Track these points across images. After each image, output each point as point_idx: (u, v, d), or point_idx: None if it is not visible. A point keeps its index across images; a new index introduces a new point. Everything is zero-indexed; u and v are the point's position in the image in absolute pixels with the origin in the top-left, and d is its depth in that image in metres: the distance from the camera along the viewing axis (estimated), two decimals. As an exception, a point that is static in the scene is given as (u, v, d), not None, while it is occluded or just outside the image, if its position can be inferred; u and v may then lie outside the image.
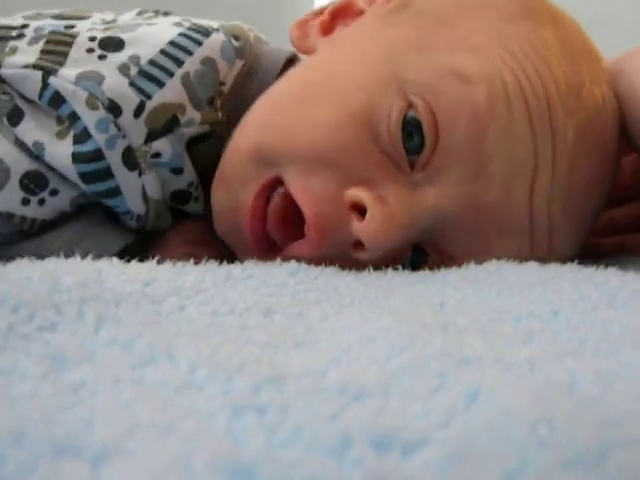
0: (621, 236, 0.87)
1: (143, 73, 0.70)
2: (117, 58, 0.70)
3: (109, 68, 0.69)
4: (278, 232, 0.68)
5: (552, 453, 0.30)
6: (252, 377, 0.38)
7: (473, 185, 0.65)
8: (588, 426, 0.32)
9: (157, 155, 0.71)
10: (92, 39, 0.71)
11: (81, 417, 0.33)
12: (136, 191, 0.71)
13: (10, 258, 0.58)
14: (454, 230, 0.67)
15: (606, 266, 0.67)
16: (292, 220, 0.67)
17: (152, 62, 0.71)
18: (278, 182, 0.68)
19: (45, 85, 0.68)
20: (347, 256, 0.66)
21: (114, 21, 0.80)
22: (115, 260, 0.57)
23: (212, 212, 0.74)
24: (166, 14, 0.82)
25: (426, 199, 0.65)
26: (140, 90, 0.69)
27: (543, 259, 0.68)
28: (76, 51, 0.71)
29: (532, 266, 0.65)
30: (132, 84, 0.69)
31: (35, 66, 0.69)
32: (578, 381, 0.38)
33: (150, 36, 0.73)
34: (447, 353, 0.42)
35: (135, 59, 0.70)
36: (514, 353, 0.43)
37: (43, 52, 0.70)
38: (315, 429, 0.32)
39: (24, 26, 0.75)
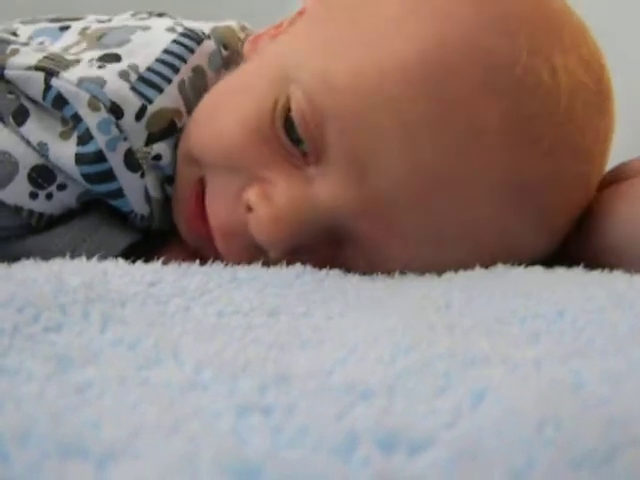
0: None
1: (142, 79, 0.71)
2: (116, 66, 0.71)
3: (110, 74, 0.70)
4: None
5: (558, 453, 0.30)
6: (257, 377, 0.38)
7: (362, 183, 0.63)
8: (594, 426, 0.32)
9: (157, 157, 0.71)
10: (90, 60, 0.71)
11: (87, 417, 0.33)
12: (139, 192, 0.71)
13: (17, 254, 0.58)
14: (356, 229, 0.65)
15: (612, 268, 0.67)
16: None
17: (150, 69, 0.72)
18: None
19: (48, 86, 0.68)
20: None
21: (109, 20, 0.80)
22: (120, 261, 0.58)
23: (175, 220, 0.75)
24: (160, 15, 0.82)
25: (318, 194, 0.64)
26: (141, 94, 0.70)
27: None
28: (77, 67, 0.71)
29: (538, 269, 0.65)
30: (133, 89, 0.70)
31: (37, 67, 0.69)
32: (584, 381, 0.38)
33: (146, 46, 0.74)
34: (453, 353, 0.42)
35: (134, 67, 0.71)
36: (520, 353, 0.43)
37: (46, 58, 0.70)
38: (321, 429, 0.32)
39: (28, 39, 0.76)
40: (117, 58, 0.72)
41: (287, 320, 0.50)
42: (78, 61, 0.71)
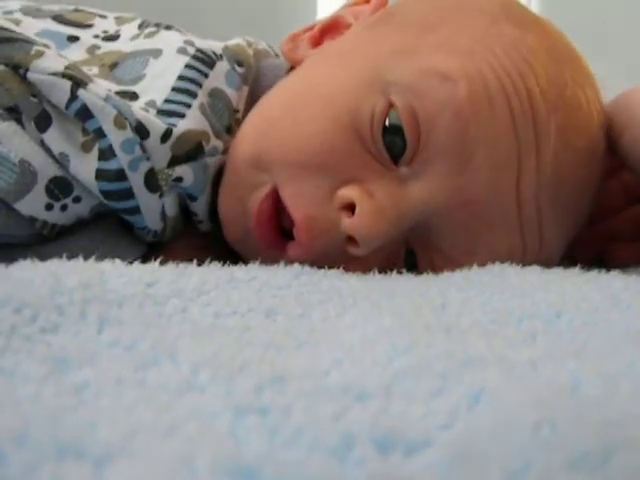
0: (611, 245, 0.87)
1: (162, 112, 0.71)
2: (135, 104, 0.70)
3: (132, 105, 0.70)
4: (272, 235, 0.70)
5: (555, 454, 0.30)
6: (254, 378, 0.38)
7: (459, 178, 0.67)
8: (591, 427, 0.32)
9: (179, 179, 0.71)
10: (109, 91, 0.71)
11: (84, 418, 0.33)
12: (155, 211, 0.71)
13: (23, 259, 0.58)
14: (443, 224, 0.68)
15: (609, 269, 0.67)
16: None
17: (168, 101, 0.72)
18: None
19: (74, 97, 0.67)
20: (345, 256, 0.68)
21: (117, 37, 0.80)
22: (117, 261, 0.57)
23: (221, 221, 0.75)
24: (168, 28, 0.82)
25: (413, 192, 0.67)
26: (164, 122, 0.69)
27: (535, 255, 0.70)
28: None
29: (535, 269, 0.65)
30: (156, 116, 0.70)
31: (65, 75, 0.68)
32: (581, 382, 0.38)
33: (160, 76, 0.74)
34: (450, 354, 0.42)
35: (152, 103, 0.71)
36: (517, 354, 0.43)
37: (71, 67, 0.70)
38: (317, 430, 0.32)
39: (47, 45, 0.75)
40: (134, 96, 0.72)
41: (284, 321, 0.50)
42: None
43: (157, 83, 0.73)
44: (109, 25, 0.82)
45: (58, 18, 0.81)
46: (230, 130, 0.75)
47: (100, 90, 0.68)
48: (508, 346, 0.45)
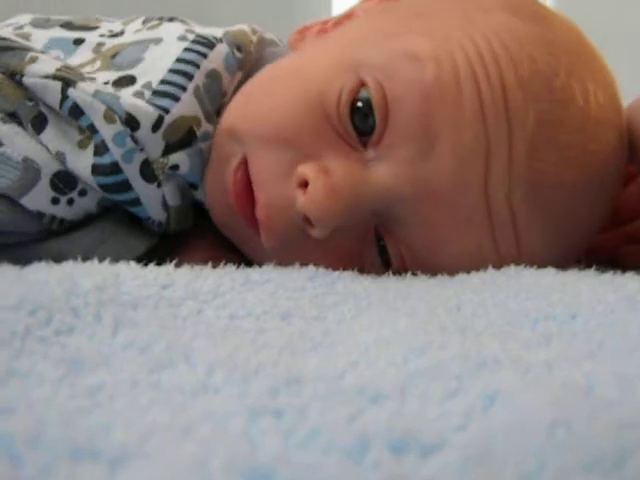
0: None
1: (157, 92, 0.71)
2: (130, 90, 0.71)
3: (124, 94, 0.70)
4: (248, 207, 0.70)
5: (570, 456, 0.30)
6: (269, 380, 0.38)
7: (422, 166, 0.65)
8: (606, 429, 0.32)
9: (175, 167, 0.71)
10: (106, 83, 0.72)
11: (99, 420, 0.33)
12: (156, 201, 0.71)
13: (33, 258, 0.59)
14: (408, 216, 0.66)
15: (624, 270, 0.67)
16: None
17: (164, 81, 0.72)
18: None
19: (65, 96, 0.69)
20: (312, 242, 0.67)
21: (122, 33, 0.80)
22: (132, 263, 0.57)
23: (209, 204, 0.75)
24: (171, 19, 0.82)
25: (376, 176, 0.65)
26: (157, 106, 0.70)
27: (513, 260, 0.67)
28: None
29: (550, 270, 0.65)
30: (148, 102, 0.70)
31: (55, 77, 0.69)
32: (596, 384, 0.38)
33: (158, 61, 0.74)
34: (465, 356, 0.42)
35: (147, 85, 0.71)
36: (532, 356, 0.43)
37: (64, 67, 0.71)
38: (332, 432, 0.32)
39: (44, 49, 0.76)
40: (132, 80, 0.72)
41: (299, 323, 0.50)
42: (93, 79, 0.71)
43: (155, 65, 0.74)
44: (115, 26, 0.83)
45: (67, 25, 0.82)
46: (220, 114, 0.76)
47: (89, 87, 0.69)
48: (523, 347, 0.45)
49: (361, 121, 0.66)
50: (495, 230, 0.66)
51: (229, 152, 0.71)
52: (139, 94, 0.70)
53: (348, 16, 0.80)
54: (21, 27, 0.82)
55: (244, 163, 0.70)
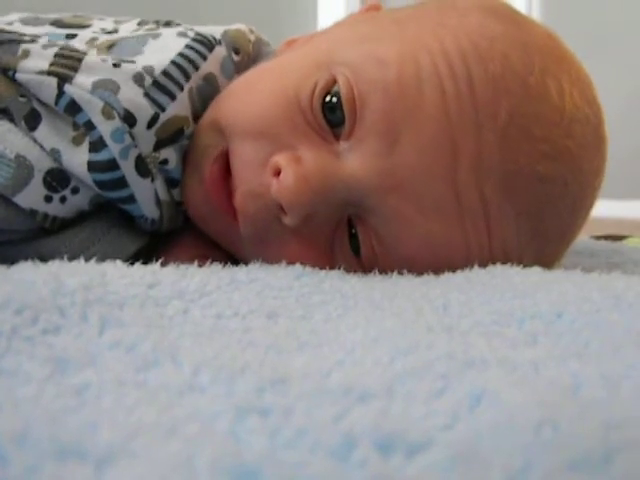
0: None
1: (157, 84, 0.71)
2: (131, 67, 0.71)
3: (124, 76, 0.70)
4: (222, 198, 0.72)
5: (557, 455, 0.30)
6: (255, 379, 0.38)
7: (388, 159, 0.66)
8: (592, 428, 0.32)
9: (165, 162, 0.71)
10: (104, 60, 0.71)
11: (85, 419, 0.33)
12: (149, 197, 0.72)
13: (24, 257, 0.59)
14: (378, 207, 0.67)
15: (610, 270, 0.67)
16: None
17: (165, 73, 0.72)
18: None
19: (61, 92, 0.68)
20: (287, 230, 0.68)
21: (115, 31, 0.80)
22: (119, 263, 0.57)
23: (185, 198, 0.76)
24: (167, 24, 0.82)
25: (346, 167, 0.67)
26: (154, 101, 0.70)
27: (485, 253, 0.68)
28: (89, 59, 0.71)
29: (536, 269, 0.65)
30: (147, 95, 0.70)
31: (50, 73, 0.69)
32: (582, 383, 0.38)
33: (159, 53, 0.74)
34: (451, 355, 0.42)
35: (149, 69, 0.71)
36: (518, 355, 0.43)
37: (57, 56, 0.70)
38: (318, 431, 0.32)
39: (35, 37, 0.75)
40: (131, 62, 0.72)
41: (285, 322, 0.50)
42: (86, 53, 0.71)
43: (156, 56, 0.74)
44: (107, 24, 0.82)
45: (57, 23, 0.81)
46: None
47: (86, 82, 0.69)
48: (509, 347, 0.45)
49: (331, 114, 0.68)
50: (465, 219, 0.67)
51: (209, 144, 0.73)
52: (139, 78, 0.70)
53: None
54: (10, 23, 0.81)
55: (222, 155, 0.72)
